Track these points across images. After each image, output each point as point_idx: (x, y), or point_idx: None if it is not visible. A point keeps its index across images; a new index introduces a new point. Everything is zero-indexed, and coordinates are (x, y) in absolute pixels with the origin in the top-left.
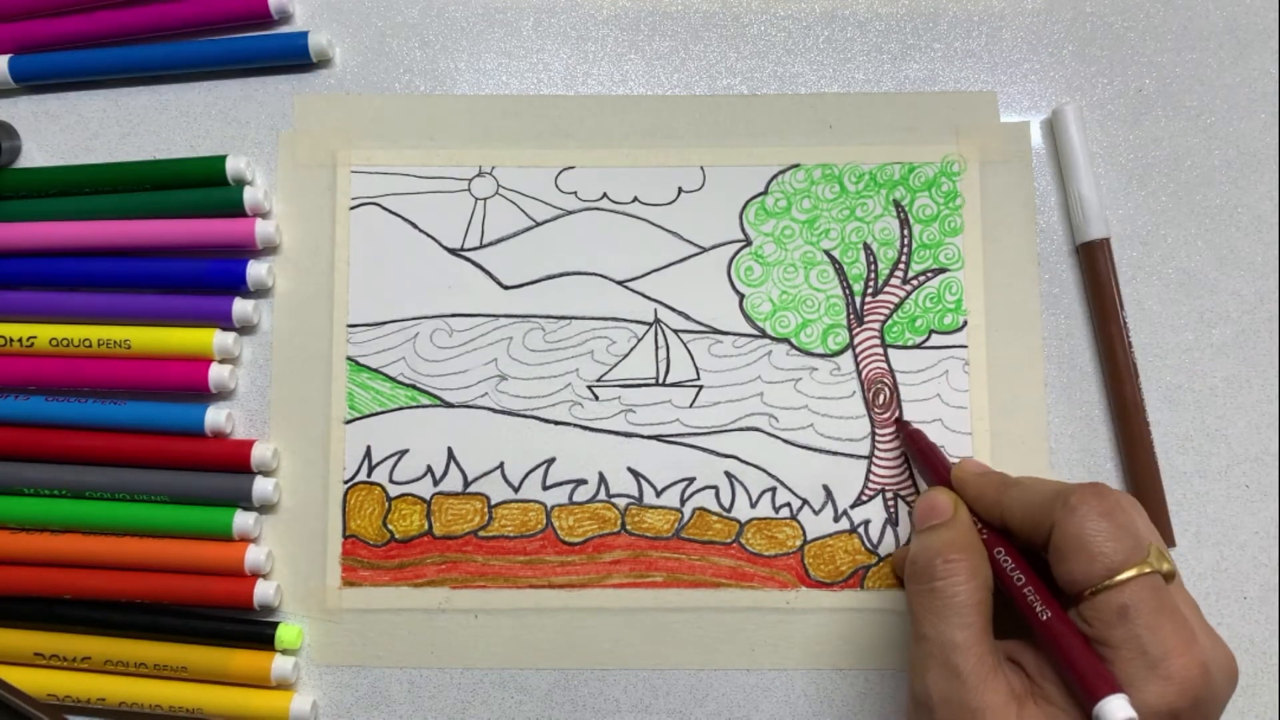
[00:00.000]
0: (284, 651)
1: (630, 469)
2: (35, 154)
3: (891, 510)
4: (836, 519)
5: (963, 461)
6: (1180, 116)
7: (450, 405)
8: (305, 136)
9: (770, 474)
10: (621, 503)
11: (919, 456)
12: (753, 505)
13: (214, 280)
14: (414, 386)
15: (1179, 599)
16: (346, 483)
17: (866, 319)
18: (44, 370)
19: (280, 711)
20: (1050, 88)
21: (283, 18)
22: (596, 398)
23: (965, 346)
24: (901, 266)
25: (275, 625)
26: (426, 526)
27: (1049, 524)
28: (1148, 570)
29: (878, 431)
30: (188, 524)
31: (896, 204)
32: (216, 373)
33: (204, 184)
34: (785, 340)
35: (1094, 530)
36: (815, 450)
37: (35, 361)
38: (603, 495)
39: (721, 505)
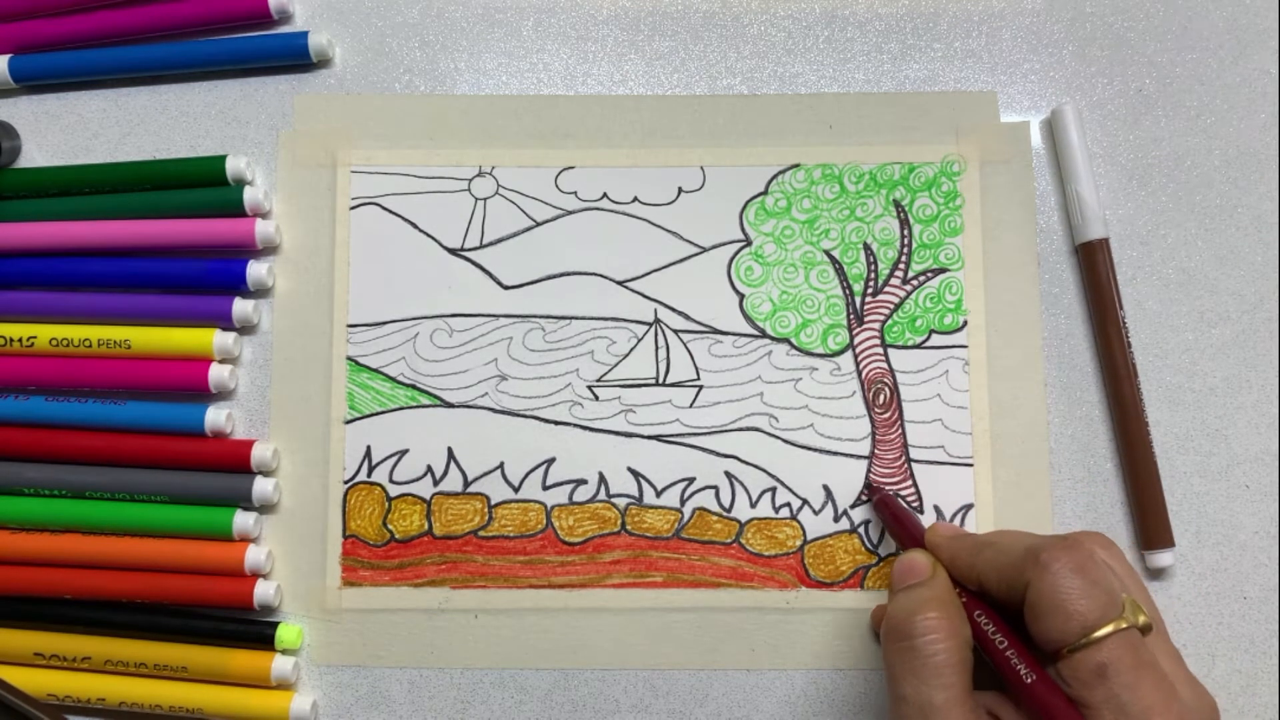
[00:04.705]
0: (284, 651)
1: (630, 469)
2: (35, 154)
3: None
4: (836, 519)
5: (935, 525)
6: (1180, 116)
7: (450, 405)
8: (305, 136)
9: (770, 474)
10: (621, 503)
11: (891, 521)
12: (753, 505)
13: (214, 280)
14: (414, 386)
15: (1159, 652)
16: (346, 483)
17: (866, 319)
18: (44, 370)
19: (280, 711)
20: (1050, 88)
21: (283, 18)
22: (596, 398)
23: (965, 346)
24: (901, 266)
25: (275, 625)
26: (426, 526)
27: (1023, 583)
28: (1124, 626)
29: (878, 432)
30: (187, 524)
31: (896, 204)
32: (216, 373)
33: (204, 184)
34: (785, 340)
35: (1068, 588)
36: (815, 450)
37: (35, 361)
38: (603, 495)
39: (721, 505)
